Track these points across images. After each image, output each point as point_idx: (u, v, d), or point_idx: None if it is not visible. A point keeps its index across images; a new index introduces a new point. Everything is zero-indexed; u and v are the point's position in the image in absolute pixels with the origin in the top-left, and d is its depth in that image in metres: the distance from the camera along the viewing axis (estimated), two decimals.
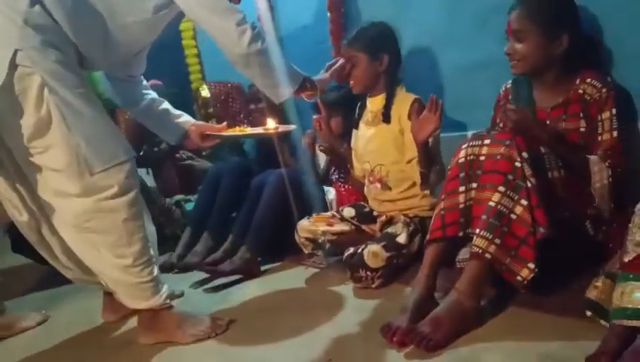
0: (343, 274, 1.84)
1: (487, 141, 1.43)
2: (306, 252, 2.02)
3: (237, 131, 1.84)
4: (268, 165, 2.37)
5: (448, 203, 1.46)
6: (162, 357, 1.51)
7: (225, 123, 1.87)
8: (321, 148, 2.15)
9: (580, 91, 1.55)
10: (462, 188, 1.44)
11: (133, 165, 1.49)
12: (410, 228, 1.86)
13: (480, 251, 1.35)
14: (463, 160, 1.45)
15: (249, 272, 2.04)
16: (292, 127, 1.89)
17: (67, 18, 1.39)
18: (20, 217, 1.54)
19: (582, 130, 1.55)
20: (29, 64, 1.32)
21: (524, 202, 1.34)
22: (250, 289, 1.94)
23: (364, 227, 2.00)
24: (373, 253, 1.73)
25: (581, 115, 1.55)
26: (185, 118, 1.83)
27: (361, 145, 2.01)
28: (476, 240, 1.36)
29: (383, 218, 1.97)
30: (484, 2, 1.86)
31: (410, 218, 1.90)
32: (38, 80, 1.33)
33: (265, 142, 2.46)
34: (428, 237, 1.50)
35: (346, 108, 2.17)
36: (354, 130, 2.09)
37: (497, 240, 1.34)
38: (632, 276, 1.08)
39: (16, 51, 1.31)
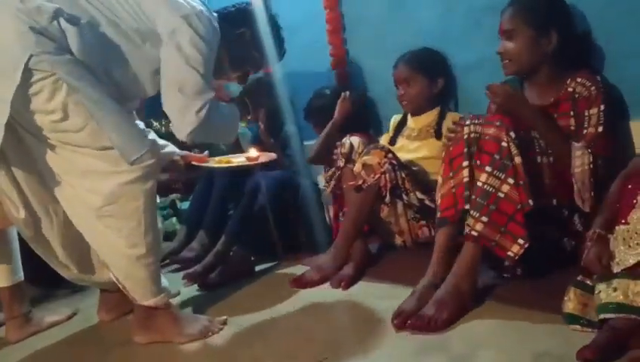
0: None
1: (481, 120, 1.50)
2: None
3: (223, 163, 1.91)
4: (263, 166, 2.37)
5: (457, 180, 1.50)
6: (157, 356, 1.52)
7: (207, 152, 1.92)
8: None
9: (570, 90, 1.58)
10: (465, 163, 1.49)
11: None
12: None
13: (469, 230, 1.41)
14: (467, 136, 1.49)
15: (242, 274, 2.05)
16: (273, 155, 1.96)
17: (79, 45, 1.41)
18: (17, 213, 1.54)
19: (572, 128, 1.58)
20: (45, 67, 1.35)
21: (510, 180, 1.40)
22: (245, 289, 1.95)
23: None
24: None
25: (571, 113, 1.57)
26: (170, 149, 1.85)
27: (404, 156, 2.03)
28: (467, 220, 1.43)
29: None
30: (476, 2, 1.87)
31: None
32: (54, 79, 1.36)
33: (261, 144, 2.46)
34: (439, 215, 1.54)
35: (330, 115, 2.28)
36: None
37: (484, 218, 1.41)
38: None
39: (31, 56, 1.34)
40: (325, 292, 1.78)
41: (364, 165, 1.84)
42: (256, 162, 1.89)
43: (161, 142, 1.83)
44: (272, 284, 1.95)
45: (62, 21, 1.39)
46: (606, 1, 1.62)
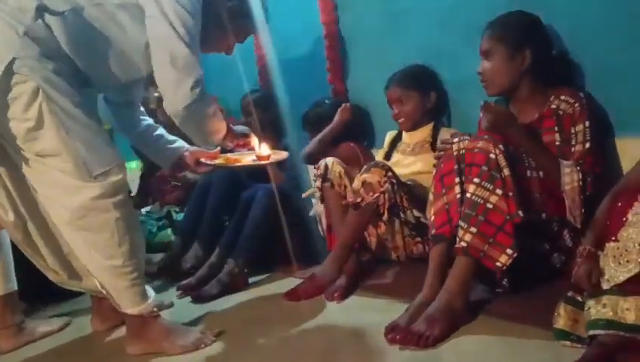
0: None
1: (470, 136, 1.54)
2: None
3: (231, 162, 1.84)
4: (258, 178, 2.38)
5: (450, 197, 1.52)
6: None
7: (218, 148, 1.84)
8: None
9: (554, 106, 1.61)
10: (457, 180, 1.51)
11: (125, 169, 1.53)
12: None
13: (458, 241, 1.43)
14: (456, 153, 1.53)
15: (236, 287, 2.05)
16: (284, 154, 1.85)
17: (66, 36, 1.43)
18: (6, 217, 1.57)
19: (557, 143, 1.60)
20: (25, 72, 1.36)
21: (499, 191, 1.42)
22: (239, 301, 1.95)
23: None
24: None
25: (556, 128, 1.60)
26: (179, 144, 1.86)
27: (399, 171, 2.03)
28: (457, 232, 1.44)
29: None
30: (471, 19, 1.90)
31: None
32: (34, 87, 1.37)
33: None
34: (433, 232, 1.55)
35: (327, 124, 2.32)
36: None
37: (473, 229, 1.42)
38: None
39: (13, 59, 1.35)
40: (319, 305, 1.78)
41: (364, 183, 1.85)
42: (267, 161, 1.79)
43: (170, 137, 1.86)
44: (266, 296, 1.95)
45: (46, 16, 1.40)
46: (591, 23, 1.66)
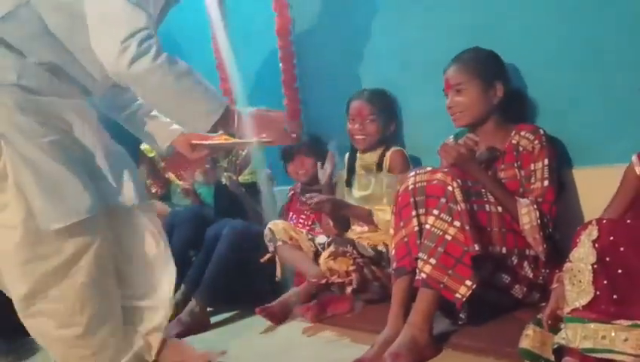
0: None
1: (428, 169, 1.57)
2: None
3: (223, 139, 1.62)
4: (225, 214, 2.36)
5: (408, 230, 1.53)
6: None
7: (220, 132, 1.59)
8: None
9: (514, 142, 1.64)
10: (414, 213, 1.52)
11: (95, 221, 1.34)
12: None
13: (418, 273, 1.43)
14: (412, 186, 1.55)
15: (197, 327, 1.98)
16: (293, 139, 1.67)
17: (24, 43, 1.27)
18: None
19: (517, 178, 1.63)
20: None
21: (457, 223, 1.43)
22: (202, 341, 1.88)
23: None
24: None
25: (516, 164, 1.63)
26: (174, 127, 1.63)
27: (356, 195, 2.10)
28: (418, 264, 1.45)
29: None
30: (431, 55, 1.96)
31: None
32: None
33: (222, 191, 2.46)
34: (395, 265, 1.55)
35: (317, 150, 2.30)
36: (346, 188, 2.20)
37: (432, 260, 1.42)
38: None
39: None
40: (287, 337, 1.75)
41: (331, 270, 1.88)
42: (266, 141, 1.53)
43: (165, 119, 1.63)
44: (232, 334, 1.91)
45: None
46: (543, 58, 1.72)
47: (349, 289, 1.86)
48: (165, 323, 1.54)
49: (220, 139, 1.63)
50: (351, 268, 1.84)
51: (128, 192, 1.43)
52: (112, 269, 1.42)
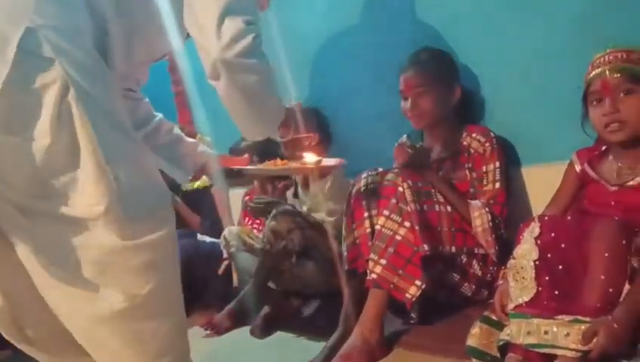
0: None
1: (380, 170, 1.59)
2: None
3: (269, 166, 1.38)
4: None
5: (360, 231, 1.54)
6: None
7: (246, 155, 1.47)
8: None
9: (465, 143, 1.65)
10: (366, 214, 1.54)
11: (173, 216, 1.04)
12: None
13: (369, 274, 1.43)
14: (364, 188, 1.55)
15: None
16: (341, 160, 1.45)
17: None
18: None
19: (469, 179, 1.64)
20: (48, 52, 0.85)
21: (407, 224, 1.43)
22: None
23: None
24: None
25: (467, 165, 1.64)
26: (202, 149, 1.40)
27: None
28: (369, 264, 1.45)
29: None
30: (381, 58, 1.97)
31: None
32: (59, 77, 0.85)
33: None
34: (346, 267, 1.56)
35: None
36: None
37: (382, 261, 1.43)
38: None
39: (27, 29, 0.84)
40: (238, 343, 1.76)
41: (273, 231, 1.84)
42: (314, 167, 1.38)
43: (190, 140, 1.41)
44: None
45: None
46: (490, 58, 1.73)
47: (294, 257, 1.83)
48: None
49: (266, 165, 1.40)
50: (291, 226, 1.82)
51: None
52: None
